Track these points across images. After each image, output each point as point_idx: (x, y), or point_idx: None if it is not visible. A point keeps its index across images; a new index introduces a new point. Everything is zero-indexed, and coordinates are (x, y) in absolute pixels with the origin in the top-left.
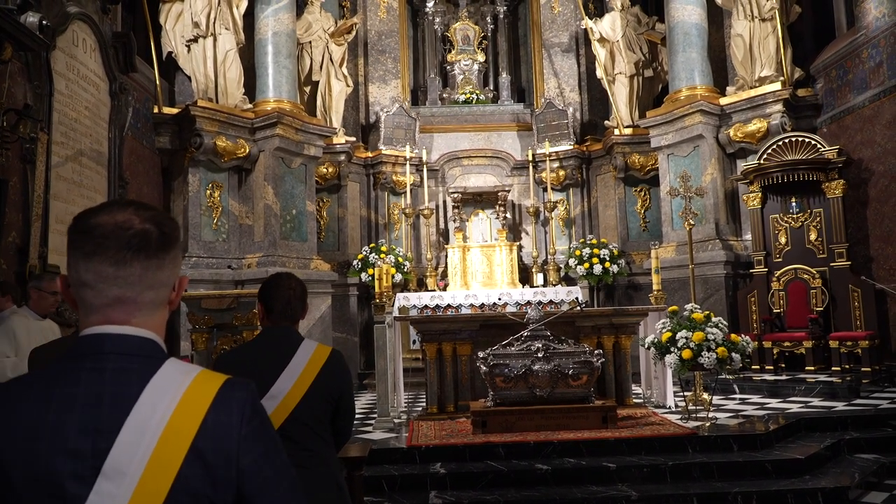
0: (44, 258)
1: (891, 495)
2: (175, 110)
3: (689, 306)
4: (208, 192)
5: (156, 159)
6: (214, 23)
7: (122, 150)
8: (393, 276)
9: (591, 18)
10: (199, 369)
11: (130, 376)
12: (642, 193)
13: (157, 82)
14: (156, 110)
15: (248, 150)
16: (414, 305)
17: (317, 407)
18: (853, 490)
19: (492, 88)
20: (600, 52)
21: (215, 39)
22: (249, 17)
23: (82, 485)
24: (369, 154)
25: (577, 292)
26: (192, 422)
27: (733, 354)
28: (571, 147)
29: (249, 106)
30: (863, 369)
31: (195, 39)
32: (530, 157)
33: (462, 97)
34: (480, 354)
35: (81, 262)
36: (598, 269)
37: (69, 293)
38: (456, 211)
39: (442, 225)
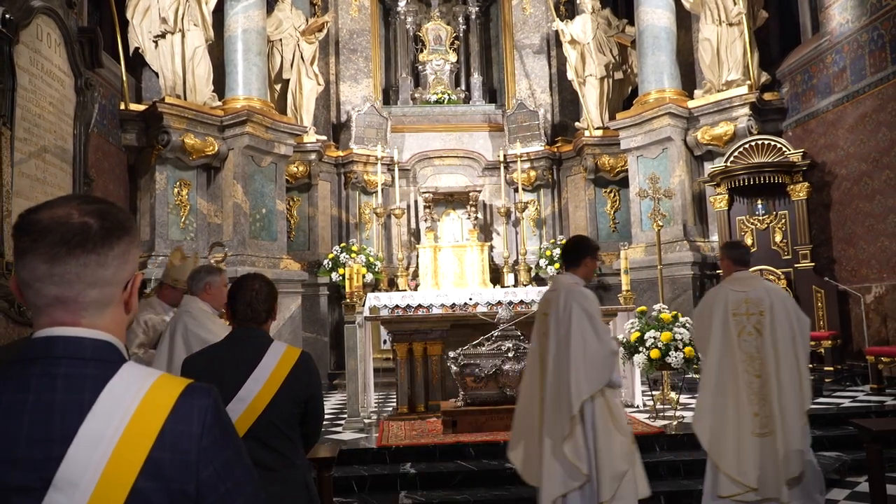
0: (3, 256)
1: (853, 492)
2: (142, 107)
3: (657, 306)
4: (176, 190)
5: (122, 157)
6: (183, 19)
7: (87, 147)
8: (364, 276)
9: (562, 20)
10: (159, 374)
11: (83, 382)
12: (612, 195)
13: (124, 78)
14: (122, 107)
15: (216, 148)
16: (385, 305)
17: (285, 409)
18: None
19: (463, 89)
20: (571, 53)
21: (183, 36)
22: (219, 13)
23: (31, 498)
24: (340, 153)
25: None
26: (150, 431)
27: (700, 354)
28: (542, 148)
29: (218, 103)
30: (825, 368)
31: (163, 35)
32: (501, 158)
33: (434, 97)
34: (451, 354)
35: (19, 260)
36: None
37: (21, 294)
38: (427, 211)
39: (413, 225)
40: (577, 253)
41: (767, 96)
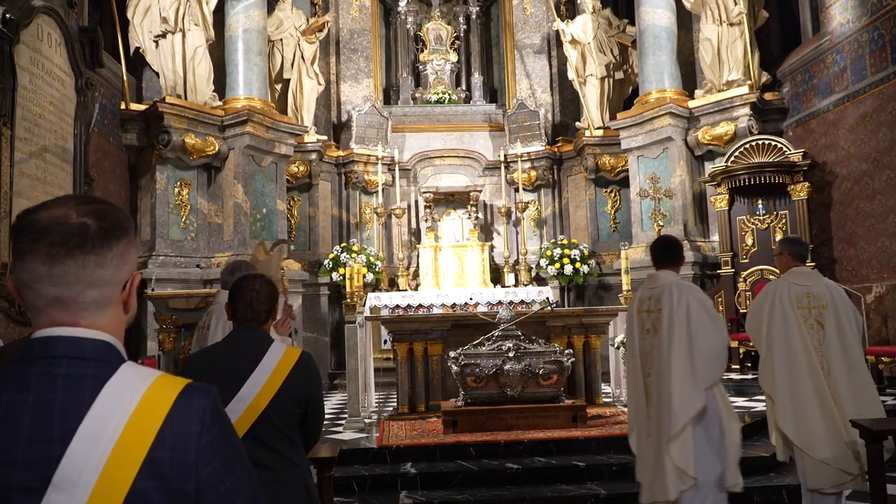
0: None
1: (853, 492)
2: (142, 107)
3: None
4: (176, 189)
5: (123, 156)
6: (183, 18)
7: (87, 147)
8: (364, 276)
9: (562, 20)
10: (158, 374)
11: (83, 382)
12: (612, 194)
13: (125, 78)
14: (123, 106)
15: (217, 148)
16: (385, 305)
17: (286, 409)
18: None
19: (464, 88)
20: (572, 53)
21: (184, 35)
22: (220, 13)
23: (31, 498)
24: (341, 153)
25: (548, 292)
26: (149, 431)
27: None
28: (543, 148)
29: (219, 103)
30: None
31: (163, 35)
32: (502, 158)
33: (434, 97)
34: (451, 354)
35: (18, 261)
36: (568, 269)
37: (20, 294)
38: (428, 211)
39: (414, 225)
40: (677, 251)
41: (768, 96)
